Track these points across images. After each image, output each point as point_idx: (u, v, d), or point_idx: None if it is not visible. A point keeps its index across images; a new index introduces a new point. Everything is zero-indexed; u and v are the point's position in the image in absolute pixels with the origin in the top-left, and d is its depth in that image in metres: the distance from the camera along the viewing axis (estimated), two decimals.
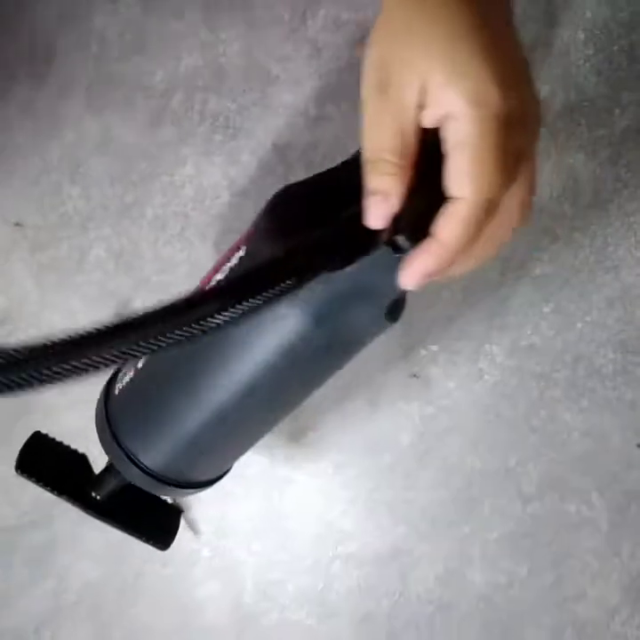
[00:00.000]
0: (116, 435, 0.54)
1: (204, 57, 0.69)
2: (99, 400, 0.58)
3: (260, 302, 0.34)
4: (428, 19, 0.34)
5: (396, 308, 0.43)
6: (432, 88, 0.33)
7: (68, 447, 0.63)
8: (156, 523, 0.63)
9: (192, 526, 0.75)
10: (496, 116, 0.32)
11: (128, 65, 0.71)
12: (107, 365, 0.30)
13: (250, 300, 0.34)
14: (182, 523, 0.69)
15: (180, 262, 0.72)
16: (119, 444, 0.54)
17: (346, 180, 0.39)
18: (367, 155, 0.36)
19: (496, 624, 0.65)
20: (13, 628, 0.86)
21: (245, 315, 0.34)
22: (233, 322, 0.33)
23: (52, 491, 0.59)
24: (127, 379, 0.54)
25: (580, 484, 0.61)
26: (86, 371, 0.30)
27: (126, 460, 0.54)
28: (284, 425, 0.70)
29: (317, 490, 0.70)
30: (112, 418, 0.55)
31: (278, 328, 0.42)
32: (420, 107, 0.34)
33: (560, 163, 0.59)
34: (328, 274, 0.37)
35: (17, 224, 0.78)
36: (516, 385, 0.62)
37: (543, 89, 0.60)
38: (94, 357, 0.30)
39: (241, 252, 0.47)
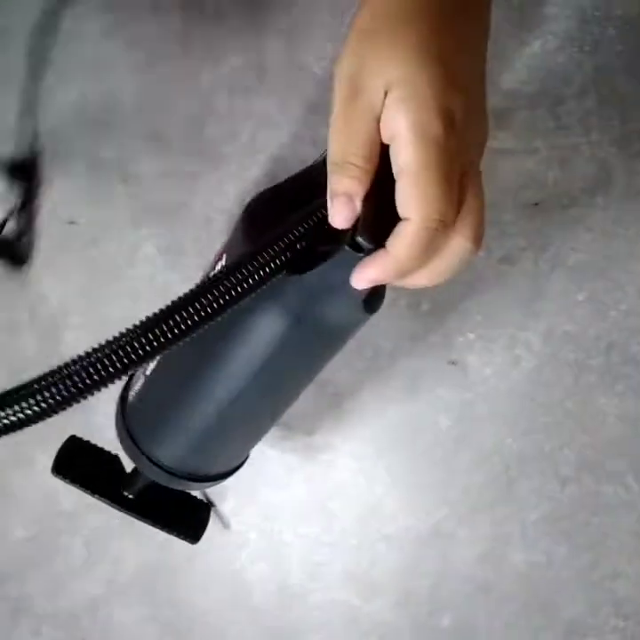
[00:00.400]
0: (134, 436, 0.58)
1: (247, 58, 0.71)
2: (116, 406, 0.62)
3: (224, 306, 0.37)
4: (397, 37, 0.35)
5: (372, 299, 0.45)
6: (388, 103, 0.35)
7: (101, 449, 0.67)
8: (186, 517, 0.68)
9: (222, 520, 0.78)
10: (438, 145, 0.34)
11: (174, 68, 0.75)
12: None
13: (214, 306, 0.36)
14: (213, 516, 0.73)
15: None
16: (137, 445, 0.58)
17: (317, 181, 0.41)
18: (334, 158, 0.37)
19: (535, 602, 0.67)
20: (70, 608, 0.89)
21: (215, 313, 0.36)
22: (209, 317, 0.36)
23: (85, 490, 0.63)
24: (139, 385, 0.58)
25: (615, 467, 0.63)
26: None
27: (145, 460, 0.57)
28: (326, 411, 0.73)
29: (359, 473, 0.73)
30: (128, 421, 0.59)
31: (262, 329, 0.45)
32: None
33: (593, 156, 0.61)
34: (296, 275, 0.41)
35: (71, 222, 0.81)
36: (551, 371, 0.64)
37: (575, 85, 0.61)
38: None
39: (223, 260, 0.49)
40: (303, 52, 0.69)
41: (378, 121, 0.35)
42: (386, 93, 0.35)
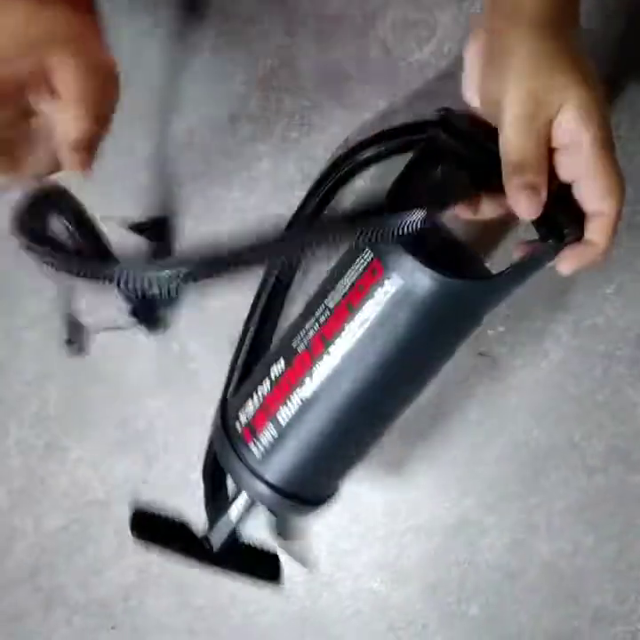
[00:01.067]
0: (278, 488, 0.55)
1: (280, 58, 0.73)
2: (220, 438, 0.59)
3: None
4: (568, 60, 0.43)
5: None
6: (566, 117, 0.43)
7: (168, 515, 0.68)
8: (263, 563, 0.68)
9: (304, 562, 0.78)
10: (611, 150, 0.44)
11: (210, 66, 0.76)
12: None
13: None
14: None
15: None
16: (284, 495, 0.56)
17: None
18: (516, 157, 0.44)
19: (562, 590, 0.68)
20: (102, 597, 0.91)
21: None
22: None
23: (172, 549, 0.65)
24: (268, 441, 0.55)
25: None
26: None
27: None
28: None
29: (387, 464, 0.74)
30: (264, 475, 0.55)
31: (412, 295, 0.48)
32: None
33: (622, 150, 0.62)
34: None
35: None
36: (580, 363, 0.65)
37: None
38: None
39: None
40: (335, 52, 0.71)
41: (550, 128, 0.44)
42: (560, 106, 0.43)
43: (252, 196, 0.76)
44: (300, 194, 0.74)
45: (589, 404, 0.65)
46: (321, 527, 0.78)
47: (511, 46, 0.44)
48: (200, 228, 0.79)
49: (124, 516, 0.77)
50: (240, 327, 0.76)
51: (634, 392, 0.63)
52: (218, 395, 0.75)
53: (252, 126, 0.75)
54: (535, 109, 0.43)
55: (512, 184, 0.45)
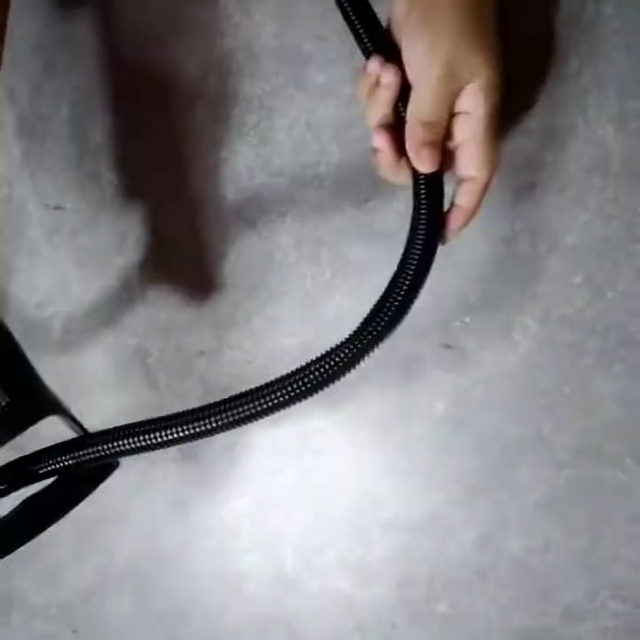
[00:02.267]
0: None
1: (238, 40, 0.70)
2: None
3: None
4: (486, 36, 0.49)
5: None
6: (472, 87, 0.49)
7: None
8: None
9: None
10: (499, 123, 0.51)
11: (162, 51, 0.73)
12: None
13: None
14: None
15: (217, 242, 0.74)
16: None
17: None
18: (426, 117, 0.49)
19: (532, 587, 0.66)
20: (61, 599, 0.89)
21: None
22: None
23: None
24: None
25: (613, 450, 0.63)
26: None
27: None
28: (319, 398, 0.72)
29: (354, 459, 0.72)
30: None
31: None
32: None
33: (589, 136, 0.60)
34: None
35: (58, 208, 0.80)
36: (548, 354, 0.64)
37: (572, 63, 0.61)
38: None
39: None
40: (295, 33, 0.68)
41: (457, 96, 0.49)
42: (471, 79, 0.48)
43: (210, 183, 0.73)
44: (260, 180, 0.71)
45: (558, 396, 0.64)
46: (286, 524, 0.76)
47: (440, 13, 0.48)
48: (159, 220, 0.76)
49: (81, 517, 0.74)
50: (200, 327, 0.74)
51: (603, 384, 0.62)
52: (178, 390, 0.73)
53: (210, 111, 0.72)
54: (452, 75, 0.48)
55: (417, 138, 0.50)
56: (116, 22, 0.74)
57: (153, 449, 0.53)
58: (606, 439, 0.63)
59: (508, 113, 0.55)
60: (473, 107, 0.49)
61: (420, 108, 0.49)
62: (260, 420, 0.54)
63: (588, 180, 0.61)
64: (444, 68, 0.47)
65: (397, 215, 0.66)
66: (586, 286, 0.62)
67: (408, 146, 0.50)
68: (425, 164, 0.50)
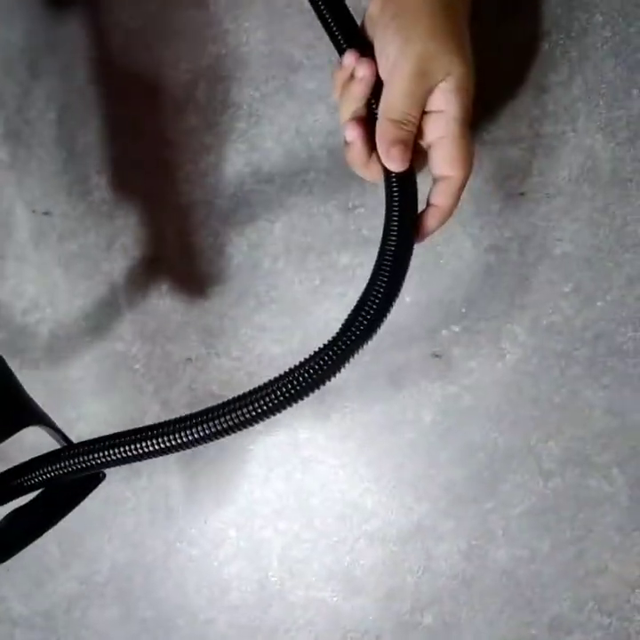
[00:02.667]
0: None
1: (227, 46, 0.70)
2: None
3: None
4: (459, 38, 0.48)
5: None
6: (445, 86, 0.48)
7: None
8: None
9: None
10: (470, 123, 0.50)
11: (151, 55, 0.73)
12: None
13: None
14: None
15: (205, 249, 0.74)
16: None
17: None
18: (395, 115, 0.49)
19: (518, 598, 0.66)
20: (45, 609, 0.88)
21: None
22: None
23: None
24: None
25: (601, 460, 0.62)
26: None
27: None
28: (307, 405, 0.71)
29: (341, 469, 0.71)
30: None
31: None
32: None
33: (578, 144, 0.60)
34: None
35: (45, 213, 0.79)
36: (537, 363, 0.63)
37: (561, 72, 0.61)
38: None
39: None
40: (285, 40, 0.68)
41: (429, 94, 0.48)
42: (445, 77, 0.48)
43: (199, 189, 0.73)
44: (249, 187, 0.71)
45: (547, 405, 0.63)
46: (272, 534, 0.75)
47: (413, 12, 0.48)
48: (146, 225, 0.76)
49: (65, 525, 0.74)
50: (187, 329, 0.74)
51: (591, 393, 0.62)
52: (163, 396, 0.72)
53: (199, 117, 0.72)
54: (424, 73, 0.47)
55: (387, 136, 0.49)
56: (104, 26, 0.74)
57: (136, 460, 0.53)
58: (594, 449, 0.63)
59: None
60: (445, 105, 0.48)
61: (390, 106, 0.49)
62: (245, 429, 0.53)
63: (577, 188, 0.61)
64: (416, 65, 0.47)
65: None
66: (575, 295, 0.62)
67: (378, 143, 0.50)
68: (394, 163, 0.49)
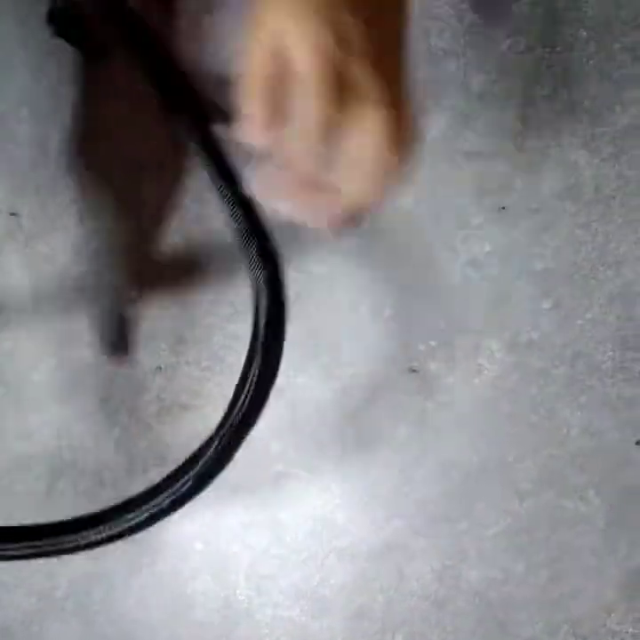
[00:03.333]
0: None
1: None
2: None
3: None
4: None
5: None
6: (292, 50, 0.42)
7: None
8: None
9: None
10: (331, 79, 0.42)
11: None
12: None
13: None
14: None
15: (179, 256, 0.72)
16: None
17: None
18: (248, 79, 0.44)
19: (491, 620, 0.64)
20: (2, 625, 0.85)
21: None
22: None
23: None
24: None
25: (577, 481, 0.61)
26: None
27: None
28: (281, 418, 0.70)
29: (313, 484, 0.70)
30: None
31: None
32: None
33: (562, 160, 0.60)
34: None
35: (12, 213, 0.77)
36: (515, 380, 0.62)
37: (546, 87, 0.60)
38: None
39: None
40: None
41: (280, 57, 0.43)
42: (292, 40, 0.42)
43: (172, 195, 0.71)
44: None
45: (524, 423, 0.62)
46: (239, 548, 0.73)
47: None
48: (117, 228, 0.74)
49: None
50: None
51: (569, 413, 0.61)
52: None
53: None
54: (268, 31, 0.43)
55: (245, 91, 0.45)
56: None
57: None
58: (571, 469, 0.62)
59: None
60: (299, 63, 0.44)
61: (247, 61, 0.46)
62: None
63: (560, 204, 0.60)
64: (259, 25, 0.44)
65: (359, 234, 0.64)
66: (555, 312, 0.61)
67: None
68: (250, 133, 0.45)
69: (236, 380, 0.71)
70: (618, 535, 0.61)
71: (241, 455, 0.72)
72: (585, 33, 0.59)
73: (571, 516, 0.62)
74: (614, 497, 0.61)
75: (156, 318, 0.74)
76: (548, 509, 0.62)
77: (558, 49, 0.59)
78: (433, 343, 0.64)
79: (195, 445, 0.51)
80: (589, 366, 0.60)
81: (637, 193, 0.57)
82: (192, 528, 0.74)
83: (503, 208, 0.61)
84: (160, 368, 0.75)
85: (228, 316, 0.71)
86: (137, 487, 0.76)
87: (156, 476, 0.75)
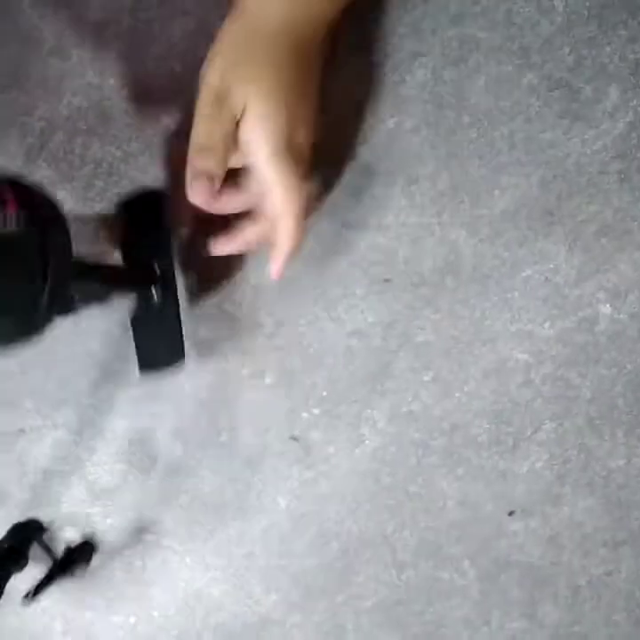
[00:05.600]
0: None
1: (89, 99, 0.66)
2: None
3: None
4: (261, 61, 0.48)
5: None
6: (248, 116, 0.49)
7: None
8: None
9: None
10: (283, 152, 0.50)
11: (4, 99, 0.67)
12: None
13: None
14: None
15: None
16: None
17: None
18: (201, 140, 0.49)
19: None
20: None
21: None
22: None
23: None
24: None
25: (453, 552, 0.62)
26: None
27: None
28: (154, 486, 0.67)
29: (187, 556, 0.67)
30: None
31: None
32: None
33: (443, 238, 0.61)
34: None
35: None
36: (395, 451, 0.63)
37: (428, 168, 0.62)
38: None
39: None
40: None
41: (236, 123, 0.49)
42: (243, 109, 0.48)
43: None
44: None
45: (402, 494, 0.63)
46: (105, 626, 0.69)
47: (219, 41, 0.49)
48: None
49: None
50: None
51: (446, 484, 0.62)
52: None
53: (52, 169, 0.67)
54: (221, 100, 0.48)
55: (192, 166, 0.50)
56: None
57: None
58: (447, 541, 0.62)
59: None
60: (251, 133, 0.49)
61: (195, 131, 0.50)
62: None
63: (440, 279, 0.62)
64: (212, 93, 0.49)
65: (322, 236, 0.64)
66: (434, 384, 0.62)
67: (187, 177, 0.50)
68: (197, 195, 0.50)
69: (107, 445, 0.67)
70: (490, 607, 0.62)
71: (109, 524, 0.68)
72: (467, 119, 0.62)
73: (446, 587, 0.62)
74: (487, 568, 0.62)
75: (23, 373, 0.69)
76: (425, 581, 0.63)
77: (442, 132, 0.62)
78: (315, 411, 0.64)
79: None
80: (466, 438, 0.62)
81: (511, 274, 0.60)
82: (53, 606, 0.69)
83: (386, 280, 0.62)
84: (23, 430, 0.70)
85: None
86: None
87: None
